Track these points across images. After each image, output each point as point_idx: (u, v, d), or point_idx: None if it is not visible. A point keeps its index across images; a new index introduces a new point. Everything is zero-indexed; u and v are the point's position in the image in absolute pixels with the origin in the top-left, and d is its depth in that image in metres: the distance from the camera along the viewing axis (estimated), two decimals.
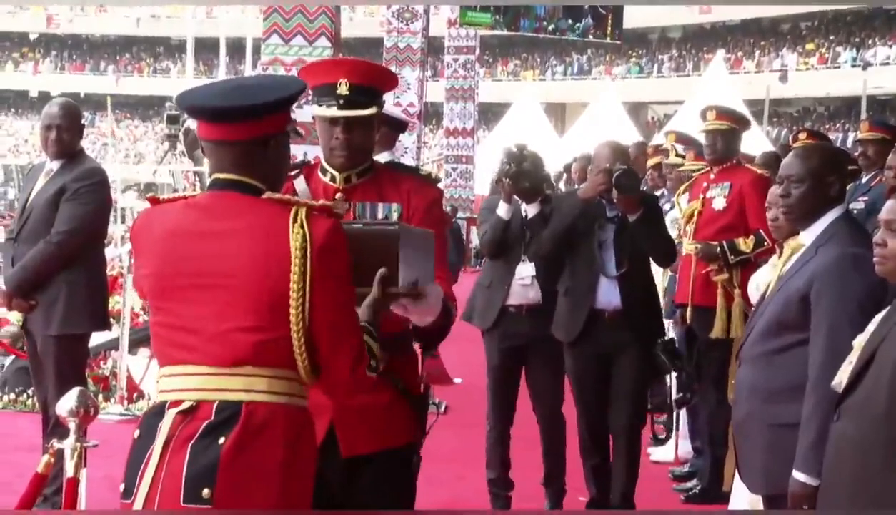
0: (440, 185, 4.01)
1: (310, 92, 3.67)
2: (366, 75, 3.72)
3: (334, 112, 3.65)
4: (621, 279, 5.77)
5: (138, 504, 2.85)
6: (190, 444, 2.80)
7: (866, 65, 41.69)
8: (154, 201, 3.05)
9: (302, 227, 2.81)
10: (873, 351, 2.45)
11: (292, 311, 2.81)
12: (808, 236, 3.91)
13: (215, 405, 2.82)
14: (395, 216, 3.71)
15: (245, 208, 2.89)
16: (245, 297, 2.83)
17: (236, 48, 45.29)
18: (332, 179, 3.76)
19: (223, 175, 2.93)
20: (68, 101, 6.27)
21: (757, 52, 47.87)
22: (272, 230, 2.83)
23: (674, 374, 6.34)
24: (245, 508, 2.78)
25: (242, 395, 2.82)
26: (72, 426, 4.12)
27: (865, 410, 2.26)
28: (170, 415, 2.85)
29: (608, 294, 5.78)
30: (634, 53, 51.76)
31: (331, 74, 3.67)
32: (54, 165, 5.95)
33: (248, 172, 2.91)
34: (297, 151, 6.54)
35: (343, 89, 3.65)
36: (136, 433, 2.94)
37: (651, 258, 6.04)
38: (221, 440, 2.79)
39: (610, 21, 16.54)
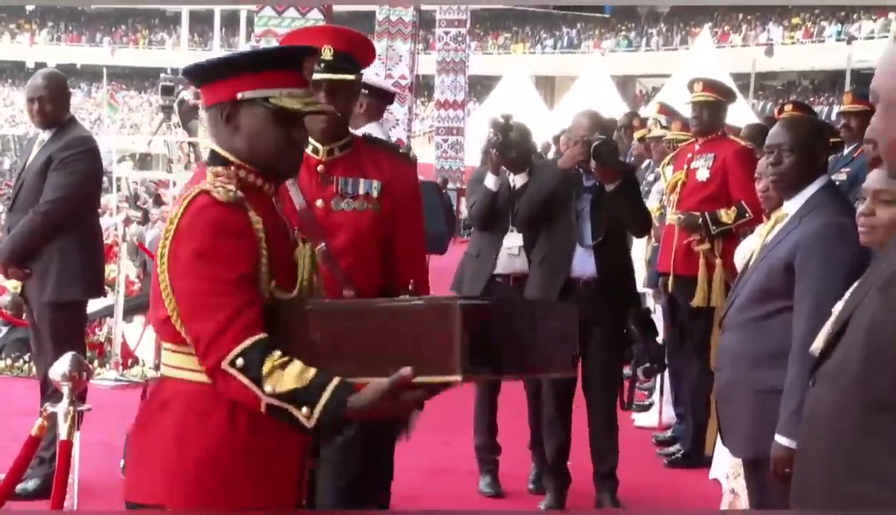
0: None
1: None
2: (349, 43, 3.81)
3: (317, 75, 3.67)
4: (597, 249, 5.77)
5: None
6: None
7: (851, 39, 41.62)
8: None
9: (181, 208, 2.71)
10: (848, 317, 2.50)
11: (162, 291, 2.72)
12: (791, 206, 3.94)
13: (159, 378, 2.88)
14: (375, 193, 3.79)
15: (189, 186, 2.82)
16: (158, 276, 2.78)
17: (231, 20, 45.08)
18: (315, 150, 3.81)
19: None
20: (52, 71, 6.30)
21: (744, 27, 47.78)
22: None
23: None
24: (139, 482, 2.80)
25: (165, 370, 2.82)
26: (65, 390, 4.18)
27: (840, 376, 2.30)
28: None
29: (583, 263, 5.78)
30: (623, 27, 51.67)
31: (315, 40, 3.68)
32: (46, 135, 5.98)
33: (214, 139, 2.86)
34: None
35: (327, 55, 3.73)
36: None
37: (626, 228, 6.08)
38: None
39: None
